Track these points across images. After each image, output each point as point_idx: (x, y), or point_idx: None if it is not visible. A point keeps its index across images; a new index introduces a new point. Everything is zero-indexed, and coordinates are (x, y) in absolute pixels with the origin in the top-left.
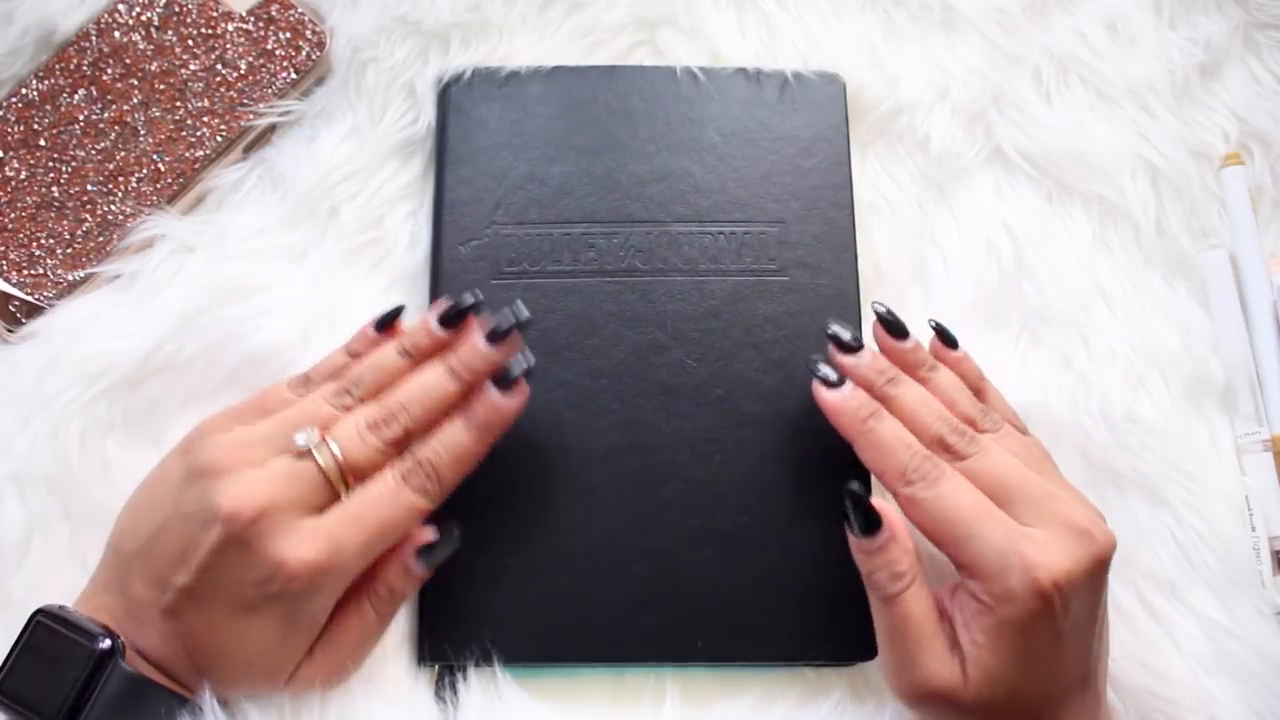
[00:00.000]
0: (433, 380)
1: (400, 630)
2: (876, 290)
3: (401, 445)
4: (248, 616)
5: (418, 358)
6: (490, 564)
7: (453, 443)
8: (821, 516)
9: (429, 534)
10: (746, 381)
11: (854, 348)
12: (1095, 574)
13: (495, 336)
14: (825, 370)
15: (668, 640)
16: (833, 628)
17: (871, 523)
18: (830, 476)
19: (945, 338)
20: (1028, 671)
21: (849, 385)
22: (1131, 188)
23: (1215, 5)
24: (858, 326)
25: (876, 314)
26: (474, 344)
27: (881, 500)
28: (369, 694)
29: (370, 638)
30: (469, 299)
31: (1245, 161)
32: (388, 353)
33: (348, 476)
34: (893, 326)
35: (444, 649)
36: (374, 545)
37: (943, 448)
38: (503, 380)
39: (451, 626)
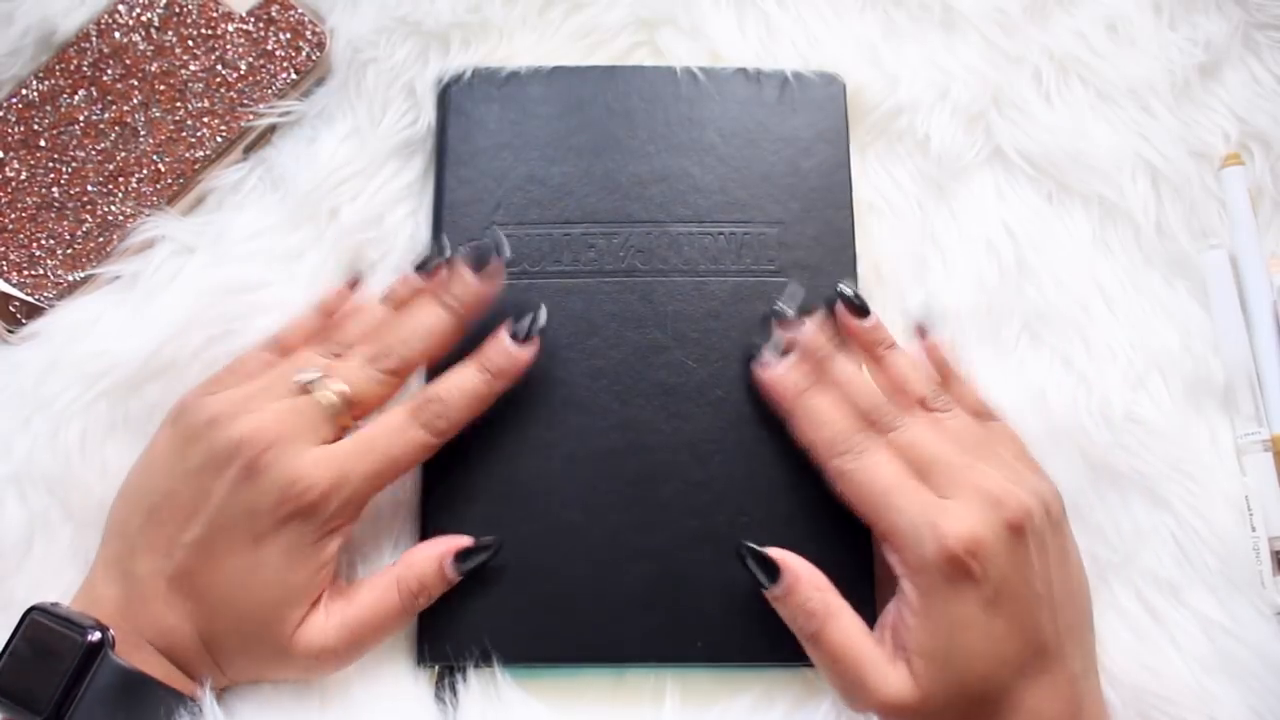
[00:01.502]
0: (424, 314)
1: (400, 631)
2: (877, 291)
3: (401, 376)
4: (257, 548)
5: (399, 307)
6: (490, 565)
7: (464, 382)
8: (820, 517)
9: (468, 540)
10: (746, 382)
11: (794, 323)
12: (1009, 539)
13: (479, 266)
14: (765, 353)
15: (667, 640)
16: None
17: (770, 572)
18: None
19: (920, 328)
20: (967, 649)
21: (785, 363)
22: (1131, 188)
23: (1215, 5)
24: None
25: (840, 294)
26: (460, 275)
27: (776, 549)
28: (369, 694)
29: (388, 623)
30: (445, 248)
31: (1245, 162)
32: (370, 304)
33: (353, 410)
34: (854, 306)
35: (444, 649)
36: (381, 474)
37: (869, 422)
38: (517, 334)
39: (451, 627)
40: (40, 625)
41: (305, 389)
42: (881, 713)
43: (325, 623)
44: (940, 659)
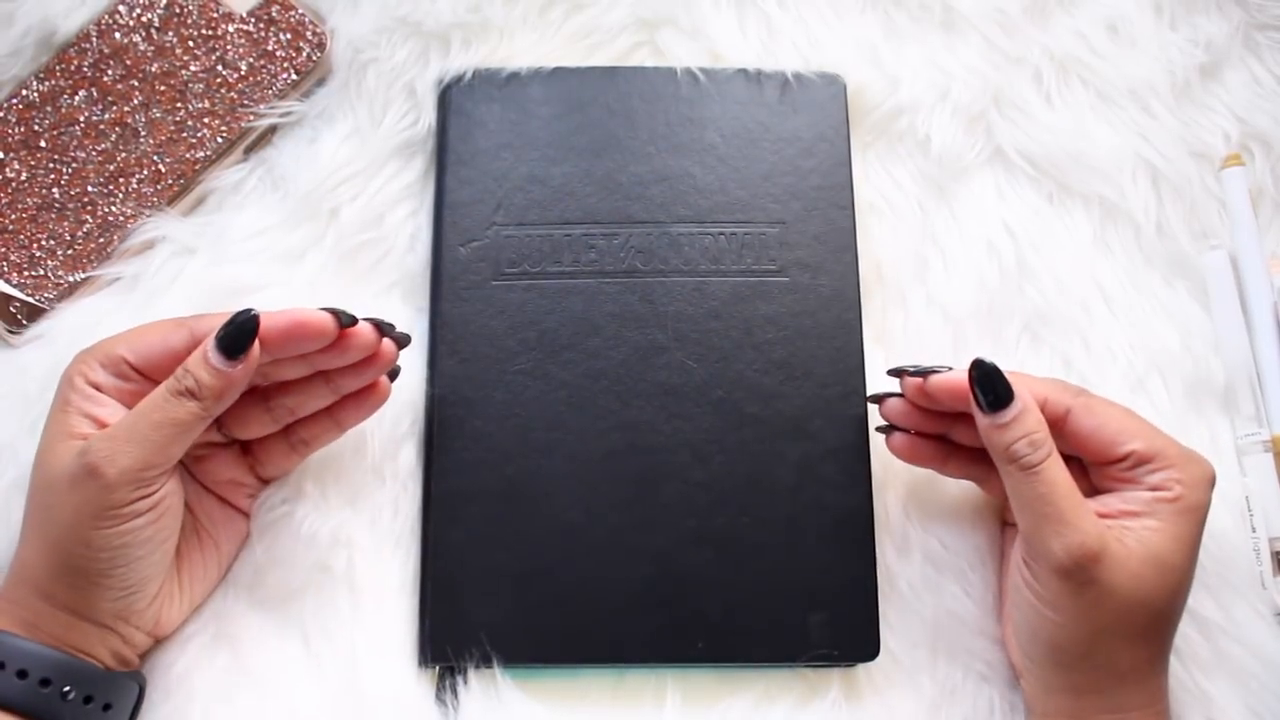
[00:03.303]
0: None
1: (401, 632)
2: (877, 291)
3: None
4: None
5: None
6: (491, 565)
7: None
8: (820, 517)
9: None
10: (747, 382)
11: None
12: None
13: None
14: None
15: (668, 641)
16: (833, 628)
17: (1003, 395)
18: (830, 477)
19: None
20: (1183, 574)
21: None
22: (1132, 188)
23: (1215, 6)
24: (859, 327)
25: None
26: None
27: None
28: (370, 695)
29: (158, 415)
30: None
31: (1246, 162)
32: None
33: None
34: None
35: (445, 651)
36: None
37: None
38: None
39: (452, 628)
40: None
41: None
42: (1079, 557)
43: (110, 445)
44: (1164, 563)
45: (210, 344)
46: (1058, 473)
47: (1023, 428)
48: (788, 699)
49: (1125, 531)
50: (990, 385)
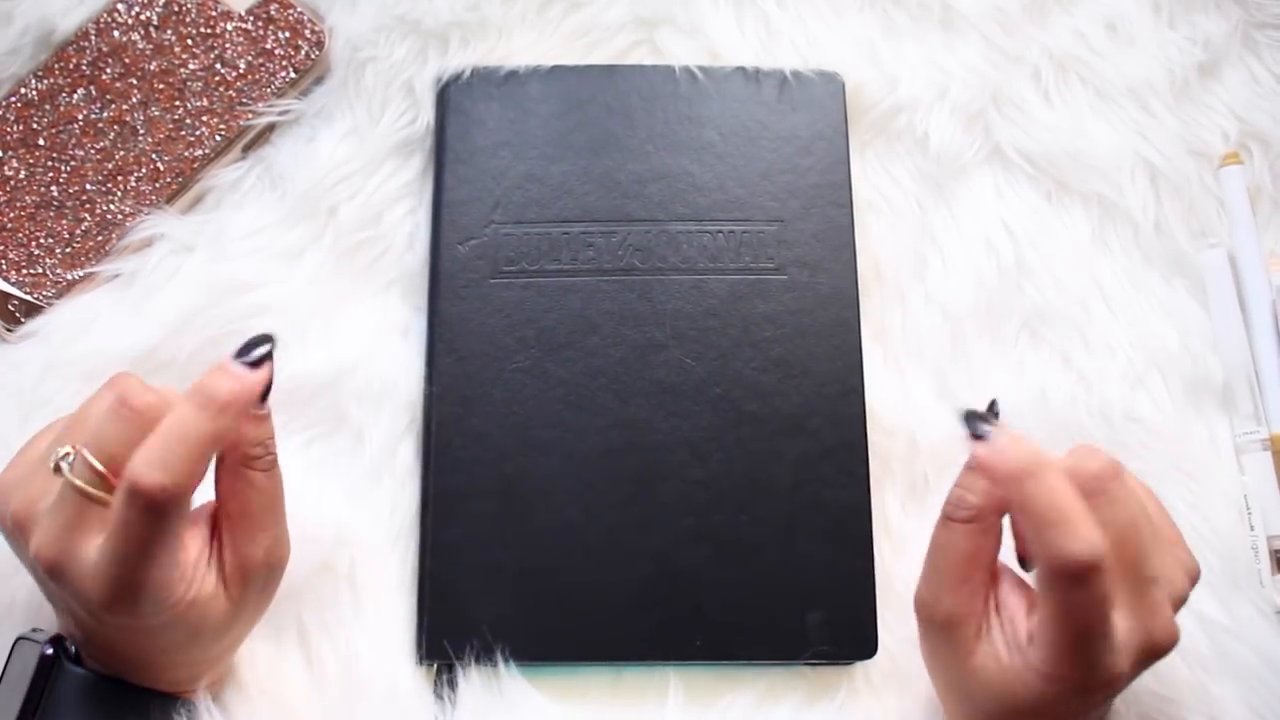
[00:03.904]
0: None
1: (399, 629)
2: (875, 289)
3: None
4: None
5: None
6: (489, 563)
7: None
8: (819, 516)
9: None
10: (745, 380)
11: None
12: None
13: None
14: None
15: (667, 639)
16: (831, 626)
17: (982, 434)
18: (828, 475)
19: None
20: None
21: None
22: (1131, 187)
23: (1214, 5)
24: (857, 325)
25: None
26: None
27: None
28: (368, 692)
29: (276, 496)
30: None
31: (1244, 161)
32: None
33: (108, 479)
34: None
35: (443, 647)
36: (131, 556)
37: None
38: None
39: (450, 625)
40: (21, 649)
41: (58, 468)
42: (917, 601)
43: (242, 550)
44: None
45: (256, 403)
46: (953, 540)
47: (963, 480)
48: (789, 697)
49: (999, 647)
50: (977, 420)
